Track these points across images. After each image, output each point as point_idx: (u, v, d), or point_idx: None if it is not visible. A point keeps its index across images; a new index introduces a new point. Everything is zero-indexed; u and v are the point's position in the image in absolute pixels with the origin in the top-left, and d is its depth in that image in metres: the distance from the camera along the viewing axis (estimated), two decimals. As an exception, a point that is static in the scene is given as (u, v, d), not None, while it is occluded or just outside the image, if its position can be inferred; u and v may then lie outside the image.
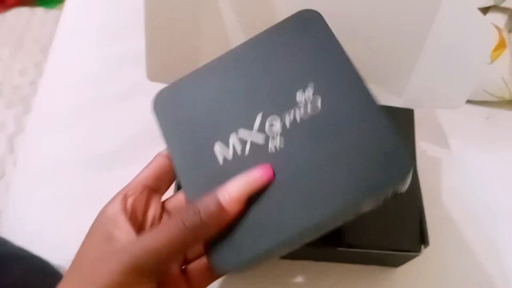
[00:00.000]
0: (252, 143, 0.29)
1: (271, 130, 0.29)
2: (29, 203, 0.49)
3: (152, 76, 0.43)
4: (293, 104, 0.29)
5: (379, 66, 0.45)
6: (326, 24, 0.31)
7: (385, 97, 0.46)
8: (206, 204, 0.26)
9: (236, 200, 0.26)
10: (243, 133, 0.30)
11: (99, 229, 0.28)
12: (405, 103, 0.46)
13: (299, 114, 0.29)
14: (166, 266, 0.28)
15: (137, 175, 0.31)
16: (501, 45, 0.55)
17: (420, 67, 0.44)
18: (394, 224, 0.40)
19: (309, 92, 0.29)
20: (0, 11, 1.23)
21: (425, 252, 0.39)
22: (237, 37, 0.42)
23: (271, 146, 0.29)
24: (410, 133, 0.43)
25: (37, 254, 0.44)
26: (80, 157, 0.51)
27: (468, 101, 0.57)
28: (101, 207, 0.29)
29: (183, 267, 0.31)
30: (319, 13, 0.32)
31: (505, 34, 0.56)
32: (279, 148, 0.29)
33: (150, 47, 0.41)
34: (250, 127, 0.30)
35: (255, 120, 0.30)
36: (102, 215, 0.29)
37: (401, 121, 0.43)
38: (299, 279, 0.44)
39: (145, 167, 0.32)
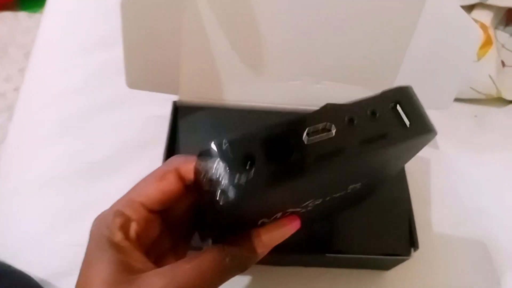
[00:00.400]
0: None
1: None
2: (11, 216, 0.48)
3: (132, 83, 0.42)
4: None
5: (364, 68, 0.44)
6: None
7: (372, 98, 0.46)
8: (245, 250, 0.27)
9: (267, 247, 0.28)
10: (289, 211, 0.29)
11: (108, 258, 0.24)
12: (392, 105, 0.45)
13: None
14: None
15: (137, 193, 0.27)
16: (487, 43, 0.55)
17: (405, 68, 0.44)
18: (384, 228, 0.40)
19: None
20: (-17, 17, 1.21)
21: (416, 254, 0.39)
22: (218, 42, 0.41)
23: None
24: (398, 135, 0.43)
25: (20, 269, 0.43)
26: (64, 169, 0.50)
27: (456, 100, 0.57)
28: (86, 221, 0.26)
29: None
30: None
31: (491, 31, 0.56)
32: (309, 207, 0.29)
33: (128, 54, 0.40)
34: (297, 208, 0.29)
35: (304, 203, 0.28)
36: (106, 241, 0.25)
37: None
38: (290, 285, 0.44)
39: (149, 185, 0.27)
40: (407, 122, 0.24)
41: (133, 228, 0.26)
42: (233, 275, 0.27)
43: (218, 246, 0.26)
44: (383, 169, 0.30)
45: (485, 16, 0.56)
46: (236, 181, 0.21)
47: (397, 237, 0.39)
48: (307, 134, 0.23)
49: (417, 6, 0.39)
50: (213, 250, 0.26)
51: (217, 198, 0.21)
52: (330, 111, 0.24)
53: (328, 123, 0.23)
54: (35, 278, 0.42)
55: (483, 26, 0.55)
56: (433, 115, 0.53)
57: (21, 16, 1.23)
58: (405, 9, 0.40)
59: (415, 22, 0.40)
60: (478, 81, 0.55)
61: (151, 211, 0.27)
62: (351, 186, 0.29)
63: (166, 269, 0.24)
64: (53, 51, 0.60)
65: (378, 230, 0.39)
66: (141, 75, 0.41)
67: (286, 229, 0.28)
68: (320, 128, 0.23)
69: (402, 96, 0.26)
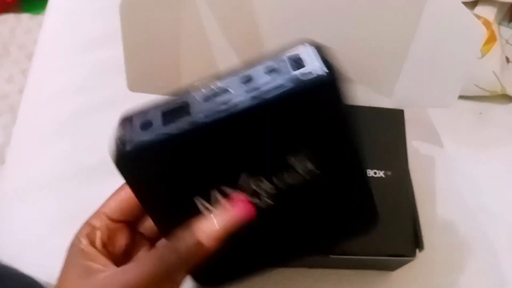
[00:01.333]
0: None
1: (258, 188, 0.27)
2: (14, 217, 0.48)
3: (133, 86, 0.42)
4: (283, 167, 0.27)
5: (367, 67, 0.44)
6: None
7: (374, 98, 0.46)
8: (184, 242, 0.26)
9: (215, 237, 0.26)
10: (225, 189, 0.27)
11: (75, 262, 0.28)
12: (395, 104, 0.45)
13: (288, 177, 0.27)
14: None
15: (102, 205, 0.30)
16: (491, 39, 0.54)
17: (408, 66, 0.43)
18: (388, 228, 0.39)
19: (302, 157, 0.27)
20: (-15, 19, 1.21)
21: (422, 254, 0.39)
22: (218, 44, 0.41)
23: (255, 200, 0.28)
24: (401, 134, 0.42)
25: (24, 272, 0.43)
26: (66, 170, 0.50)
27: (460, 97, 0.56)
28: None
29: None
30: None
31: (495, 27, 0.55)
32: (265, 202, 0.28)
33: (129, 57, 0.40)
34: (233, 185, 0.27)
35: (238, 179, 0.27)
36: (75, 248, 0.28)
37: (391, 121, 0.43)
38: (295, 286, 0.44)
39: (111, 196, 0.30)
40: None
41: (98, 236, 0.29)
42: (183, 272, 0.28)
43: (164, 242, 0.27)
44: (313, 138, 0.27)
45: (489, 12, 0.56)
46: (133, 136, 0.24)
47: (402, 237, 0.39)
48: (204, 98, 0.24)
49: (419, 3, 0.39)
50: (159, 247, 0.27)
51: (114, 151, 0.24)
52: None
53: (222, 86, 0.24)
54: (39, 280, 0.42)
55: (486, 22, 0.55)
56: (437, 113, 0.54)
57: (23, 18, 1.24)
58: (407, 7, 0.40)
59: (417, 19, 0.40)
60: (482, 78, 0.54)
61: (114, 220, 0.30)
62: (292, 159, 0.26)
63: (119, 268, 0.27)
64: (54, 51, 0.60)
65: (382, 231, 0.39)
66: (142, 78, 0.41)
67: (231, 215, 0.26)
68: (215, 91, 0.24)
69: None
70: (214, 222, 0.26)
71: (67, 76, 0.57)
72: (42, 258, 0.45)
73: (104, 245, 0.29)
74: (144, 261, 0.26)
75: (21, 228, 0.48)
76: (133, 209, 0.30)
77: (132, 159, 0.24)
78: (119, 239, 0.30)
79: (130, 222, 0.31)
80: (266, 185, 0.27)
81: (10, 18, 1.24)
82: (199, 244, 0.25)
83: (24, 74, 1.13)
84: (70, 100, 0.55)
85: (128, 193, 0.29)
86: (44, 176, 0.50)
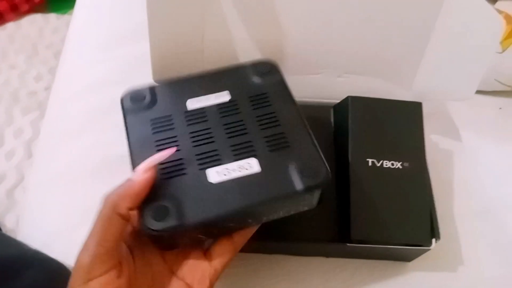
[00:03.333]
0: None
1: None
2: (45, 207, 0.50)
3: (158, 77, 0.43)
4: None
5: (386, 60, 0.45)
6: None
7: (393, 90, 0.46)
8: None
9: (139, 171, 0.31)
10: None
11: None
12: (414, 96, 0.45)
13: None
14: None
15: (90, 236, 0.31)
16: (512, 34, 0.54)
17: (427, 59, 0.44)
18: (405, 218, 0.40)
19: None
20: (15, 19, 1.25)
21: (438, 246, 0.39)
22: (240, 37, 0.42)
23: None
24: (419, 126, 0.43)
25: (53, 257, 0.45)
26: (94, 161, 0.52)
27: (480, 92, 0.56)
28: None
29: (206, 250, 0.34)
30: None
31: (516, 22, 0.55)
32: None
33: (154, 48, 0.42)
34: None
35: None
36: None
37: (410, 114, 0.43)
38: (311, 275, 0.44)
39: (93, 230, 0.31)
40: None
41: None
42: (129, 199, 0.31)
43: None
44: None
45: (510, 7, 0.56)
46: None
47: (419, 227, 0.39)
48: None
49: (438, -3, 0.39)
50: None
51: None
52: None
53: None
54: (67, 266, 0.44)
55: (507, 17, 0.54)
56: (458, 108, 0.54)
57: (50, 17, 1.27)
58: (426, 1, 0.40)
59: (436, 13, 0.40)
60: (503, 73, 0.54)
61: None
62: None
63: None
64: (81, 48, 0.62)
65: (399, 221, 0.39)
66: (167, 69, 0.42)
67: (154, 156, 0.32)
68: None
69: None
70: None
71: (93, 72, 0.59)
72: (70, 245, 0.46)
73: None
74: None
75: (50, 217, 0.49)
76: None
77: None
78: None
79: None
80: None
81: (38, 18, 1.28)
82: (128, 180, 0.31)
83: (51, 72, 1.17)
84: (96, 95, 0.57)
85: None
86: (72, 168, 0.52)
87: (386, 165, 0.41)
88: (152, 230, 0.30)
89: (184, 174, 0.33)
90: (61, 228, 0.48)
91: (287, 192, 0.32)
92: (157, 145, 0.34)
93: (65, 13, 1.27)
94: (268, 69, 0.38)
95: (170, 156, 0.33)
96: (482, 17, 0.40)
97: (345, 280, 0.44)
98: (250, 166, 0.33)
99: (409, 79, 0.45)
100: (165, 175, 0.32)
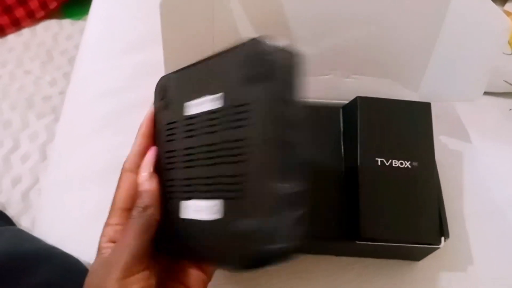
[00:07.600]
0: None
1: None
2: (60, 208, 0.51)
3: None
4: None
5: (394, 61, 0.45)
6: None
7: (401, 91, 0.47)
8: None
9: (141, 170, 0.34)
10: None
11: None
12: (421, 97, 0.46)
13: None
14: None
15: (113, 201, 0.34)
16: (521, 35, 0.54)
17: (435, 60, 0.44)
18: (413, 217, 0.40)
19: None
20: (30, 25, 1.28)
21: (447, 245, 0.39)
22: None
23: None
24: (428, 126, 0.43)
25: (68, 253, 0.46)
26: (107, 163, 0.53)
27: (490, 93, 0.57)
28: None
29: None
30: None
31: (525, 23, 0.55)
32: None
33: (167, 54, 0.43)
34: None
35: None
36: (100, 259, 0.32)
37: (418, 114, 0.43)
38: (320, 273, 0.45)
39: (117, 190, 0.34)
40: None
41: (119, 230, 0.33)
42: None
43: None
44: None
45: (519, 9, 0.56)
46: None
47: (427, 226, 0.40)
48: None
49: (445, -2, 0.40)
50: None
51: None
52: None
53: None
54: (83, 262, 0.45)
55: (517, 19, 0.55)
56: (466, 109, 0.54)
57: (65, 23, 1.30)
58: (433, 1, 0.41)
59: (443, 14, 0.41)
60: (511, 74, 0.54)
61: (129, 209, 0.33)
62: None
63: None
64: (95, 54, 0.64)
65: (408, 219, 0.40)
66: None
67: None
68: None
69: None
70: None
71: (107, 77, 0.61)
72: (85, 243, 0.47)
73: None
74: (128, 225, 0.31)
75: (65, 218, 0.51)
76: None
77: None
78: None
79: None
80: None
81: (52, 24, 1.30)
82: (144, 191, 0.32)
83: (65, 77, 1.19)
84: (110, 100, 0.58)
85: (130, 180, 0.34)
86: (86, 170, 0.53)
87: (395, 164, 0.41)
88: None
89: (170, 198, 0.32)
90: (75, 229, 0.49)
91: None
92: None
93: (79, 19, 1.29)
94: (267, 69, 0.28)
95: (166, 175, 0.33)
96: (489, 18, 0.41)
97: (353, 279, 0.44)
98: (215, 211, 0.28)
99: (416, 80, 0.46)
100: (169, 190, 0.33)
